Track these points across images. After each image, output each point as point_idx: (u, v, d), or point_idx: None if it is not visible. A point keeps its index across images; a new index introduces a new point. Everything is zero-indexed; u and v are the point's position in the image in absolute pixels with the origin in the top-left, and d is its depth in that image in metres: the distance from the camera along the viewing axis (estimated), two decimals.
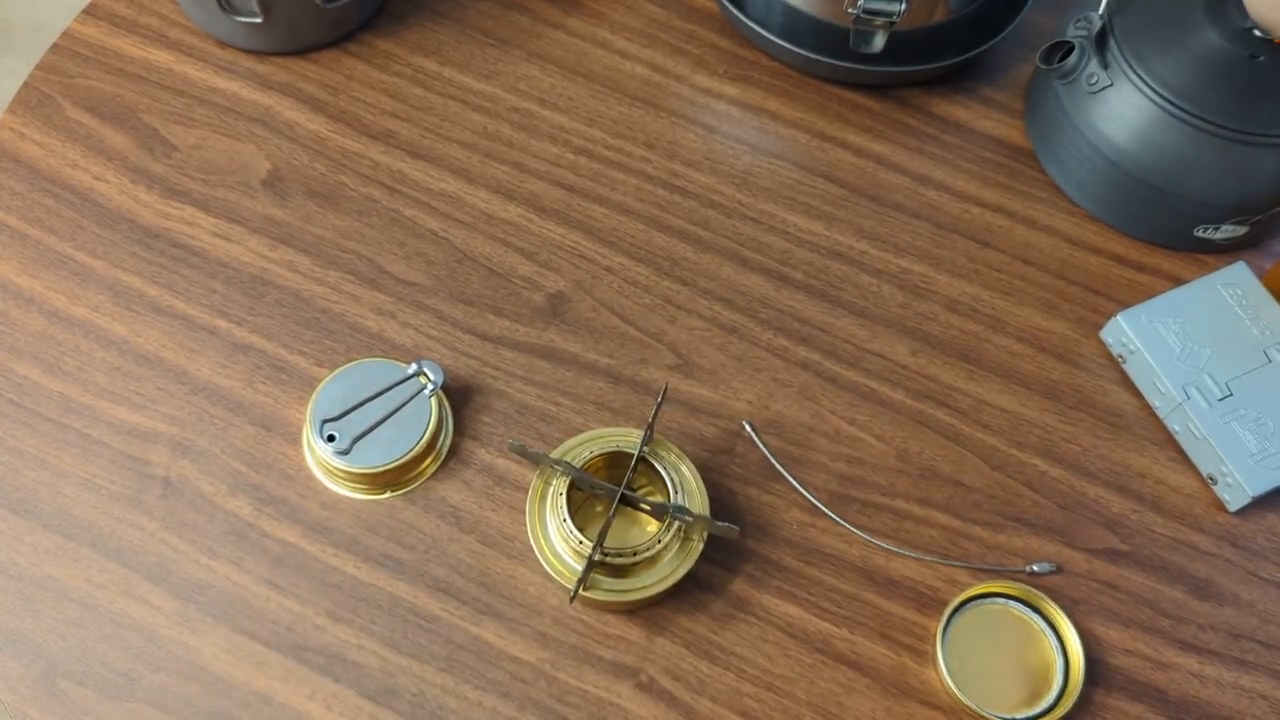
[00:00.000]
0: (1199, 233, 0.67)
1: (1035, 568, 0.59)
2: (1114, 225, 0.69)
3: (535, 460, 0.55)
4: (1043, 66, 0.66)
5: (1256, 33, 0.62)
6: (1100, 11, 0.66)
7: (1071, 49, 0.66)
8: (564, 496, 0.54)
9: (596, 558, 0.53)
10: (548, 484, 0.56)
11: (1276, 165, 0.63)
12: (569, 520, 0.54)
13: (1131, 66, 0.64)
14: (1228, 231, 0.66)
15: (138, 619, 0.56)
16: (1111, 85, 0.65)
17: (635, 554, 0.53)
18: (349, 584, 0.57)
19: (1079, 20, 0.66)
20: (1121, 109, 0.65)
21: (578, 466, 0.55)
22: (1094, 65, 0.66)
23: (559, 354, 0.64)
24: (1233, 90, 0.63)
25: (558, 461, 0.54)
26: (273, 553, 0.58)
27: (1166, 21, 0.65)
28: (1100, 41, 0.66)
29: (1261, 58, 0.62)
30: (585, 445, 0.57)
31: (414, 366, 0.60)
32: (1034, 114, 0.72)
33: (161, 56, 0.73)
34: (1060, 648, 0.56)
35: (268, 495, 0.59)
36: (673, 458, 0.57)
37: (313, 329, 0.64)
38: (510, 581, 0.57)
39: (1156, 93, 0.63)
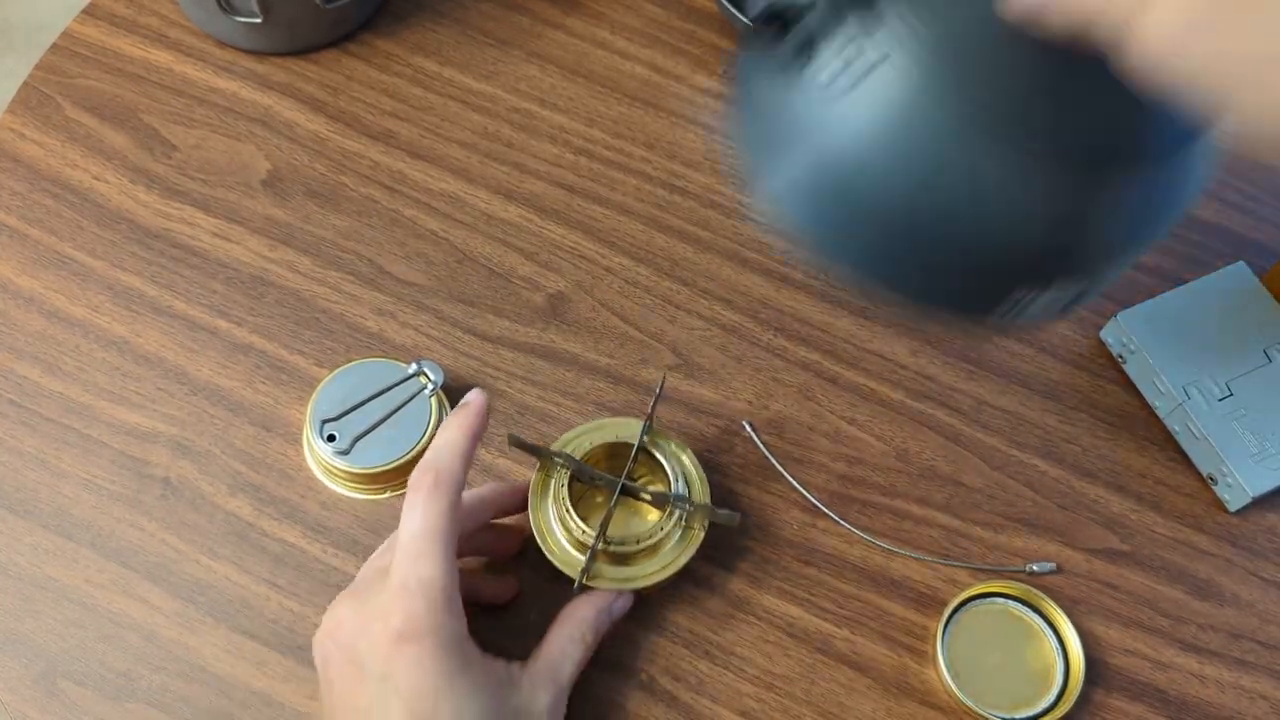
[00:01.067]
0: (1005, 308, 0.41)
1: (1035, 568, 0.59)
2: (869, 288, 0.41)
3: (535, 453, 0.55)
4: (758, 31, 0.41)
5: None
6: None
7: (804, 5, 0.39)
8: (565, 489, 0.54)
9: (599, 547, 0.53)
10: (549, 477, 0.56)
11: (1140, 201, 0.39)
12: (572, 511, 0.54)
13: (918, 34, 0.36)
14: (1049, 301, 0.41)
15: (138, 619, 0.56)
16: (883, 64, 0.37)
17: (638, 542, 0.54)
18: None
19: None
20: (893, 105, 0.37)
21: (578, 458, 0.55)
22: (851, 29, 0.37)
23: (559, 354, 0.64)
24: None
25: (558, 454, 0.55)
26: (273, 553, 0.58)
27: None
28: None
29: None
30: (585, 436, 0.57)
31: (414, 366, 0.60)
32: (745, 115, 0.43)
33: (161, 56, 0.73)
34: (1060, 648, 0.56)
35: (268, 495, 0.59)
36: (673, 447, 0.58)
37: (313, 329, 0.64)
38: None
39: (955, 83, 0.36)
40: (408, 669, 0.44)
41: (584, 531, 0.54)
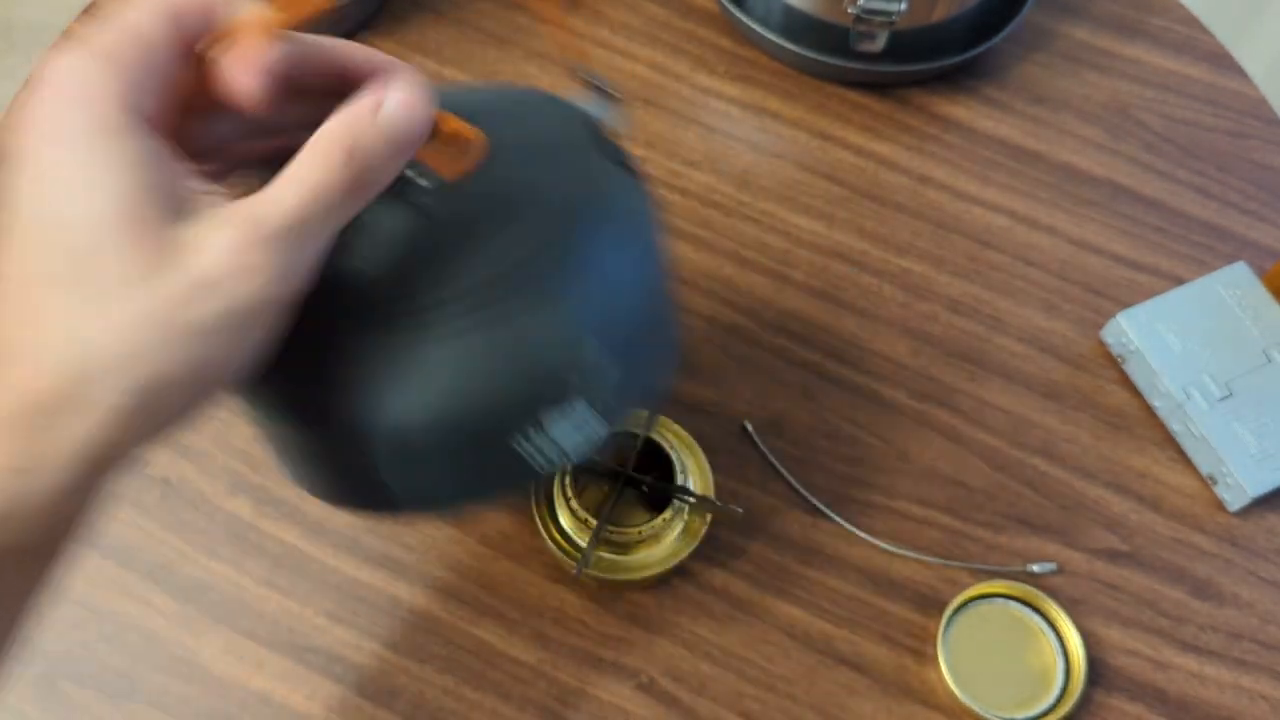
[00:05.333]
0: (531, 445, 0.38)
1: (1036, 568, 0.59)
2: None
3: None
4: None
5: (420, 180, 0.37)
6: None
7: None
8: (569, 476, 0.55)
9: (601, 535, 0.54)
10: None
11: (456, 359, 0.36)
12: (574, 500, 0.54)
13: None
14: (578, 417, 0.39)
15: (138, 619, 0.56)
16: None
17: (640, 532, 0.54)
18: (349, 584, 0.57)
19: None
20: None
21: None
22: None
23: None
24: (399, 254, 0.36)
25: None
26: (273, 553, 0.58)
27: None
28: None
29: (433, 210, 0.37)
30: None
31: None
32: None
33: None
34: (1061, 648, 0.56)
35: (268, 495, 0.59)
36: (677, 439, 0.58)
37: None
38: (510, 581, 0.57)
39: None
40: (27, 113, 0.30)
41: (586, 520, 0.54)
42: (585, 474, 0.57)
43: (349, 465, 0.38)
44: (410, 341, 0.36)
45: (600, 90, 0.42)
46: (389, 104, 0.32)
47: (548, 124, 0.42)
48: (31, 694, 0.54)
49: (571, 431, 0.38)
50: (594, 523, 0.54)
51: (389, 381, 0.36)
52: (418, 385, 0.36)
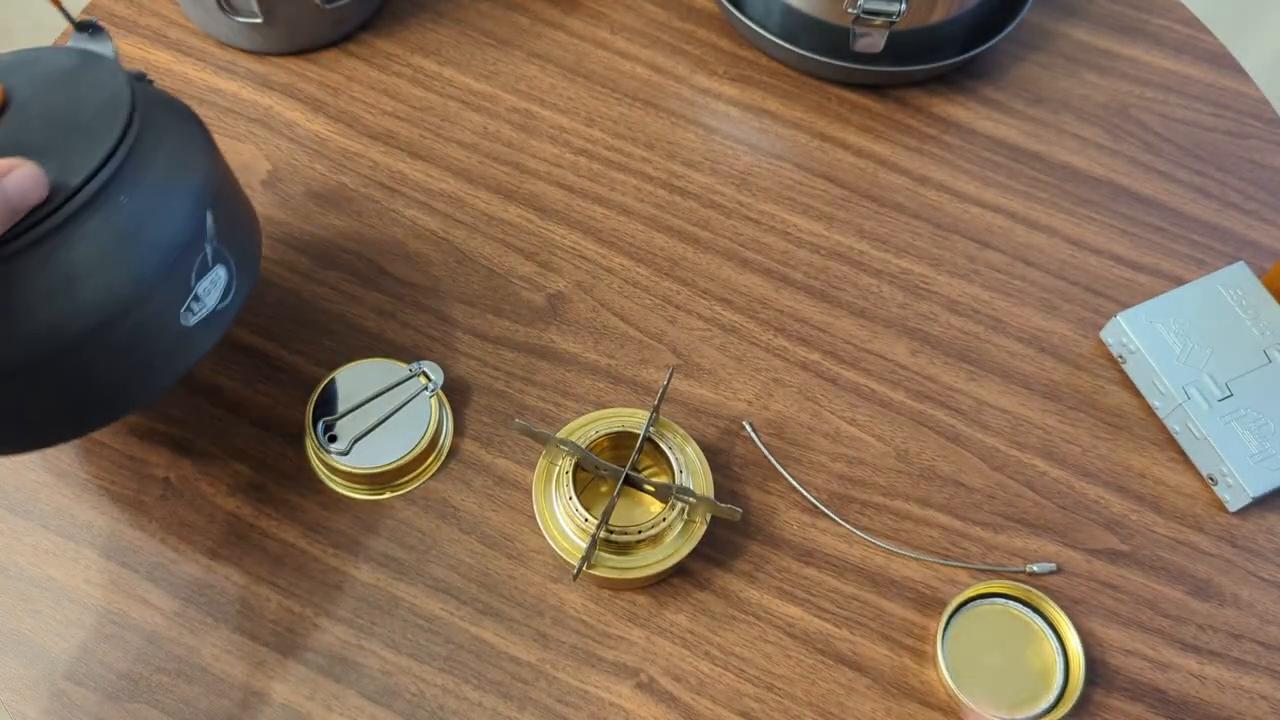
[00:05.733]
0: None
1: (1035, 568, 0.59)
2: None
3: (541, 440, 0.55)
4: None
5: None
6: None
7: None
8: (570, 475, 0.54)
9: (601, 535, 0.53)
10: (554, 464, 0.56)
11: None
12: (575, 498, 0.54)
13: None
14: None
15: (138, 619, 0.56)
16: None
17: (640, 532, 0.54)
18: (349, 584, 0.57)
19: None
20: None
21: (583, 446, 0.55)
22: None
23: (559, 354, 0.64)
24: None
25: (564, 441, 0.55)
26: (273, 553, 0.58)
27: None
28: None
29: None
30: (591, 425, 0.57)
31: (414, 366, 0.60)
32: None
33: (161, 56, 0.73)
34: (1060, 648, 0.56)
35: (268, 495, 0.59)
36: (678, 439, 0.58)
37: (313, 329, 0.64)
38: (510, 581, 0.57)
39: None
40: None
41: (586, 519, 0.54)
42: (585, 474, 0.58)
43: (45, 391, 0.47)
44: (54, 248, 0.45)
45: (85, 26, 0.53)
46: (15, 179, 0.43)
47: (58, 63, 0.51)
48: (31, 694, 0.54)
49: (213, 288, 0.49)
50: (594, 523, 0.54)
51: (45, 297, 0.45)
52: (82, 285, 0.45)
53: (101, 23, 0.53)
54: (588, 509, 0.54)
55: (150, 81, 0.54)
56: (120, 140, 0.47)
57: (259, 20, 0.70)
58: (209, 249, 0.49)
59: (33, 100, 0.49)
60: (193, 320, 0.49)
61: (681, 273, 0.67)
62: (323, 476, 0.59)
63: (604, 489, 0.59)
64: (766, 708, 0.55)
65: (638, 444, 0.56)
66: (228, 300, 0.50)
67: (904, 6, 0.67)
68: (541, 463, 0.56)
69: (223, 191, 0.51)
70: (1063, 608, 0.57)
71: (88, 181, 0.45)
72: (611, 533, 0.54)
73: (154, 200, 0.47)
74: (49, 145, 0.46)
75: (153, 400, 0.50)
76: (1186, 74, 0.76)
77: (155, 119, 0.50)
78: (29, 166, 0.44)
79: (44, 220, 0.44)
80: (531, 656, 0.56)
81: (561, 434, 0.57)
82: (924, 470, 0.61)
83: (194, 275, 0.48)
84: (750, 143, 0.72)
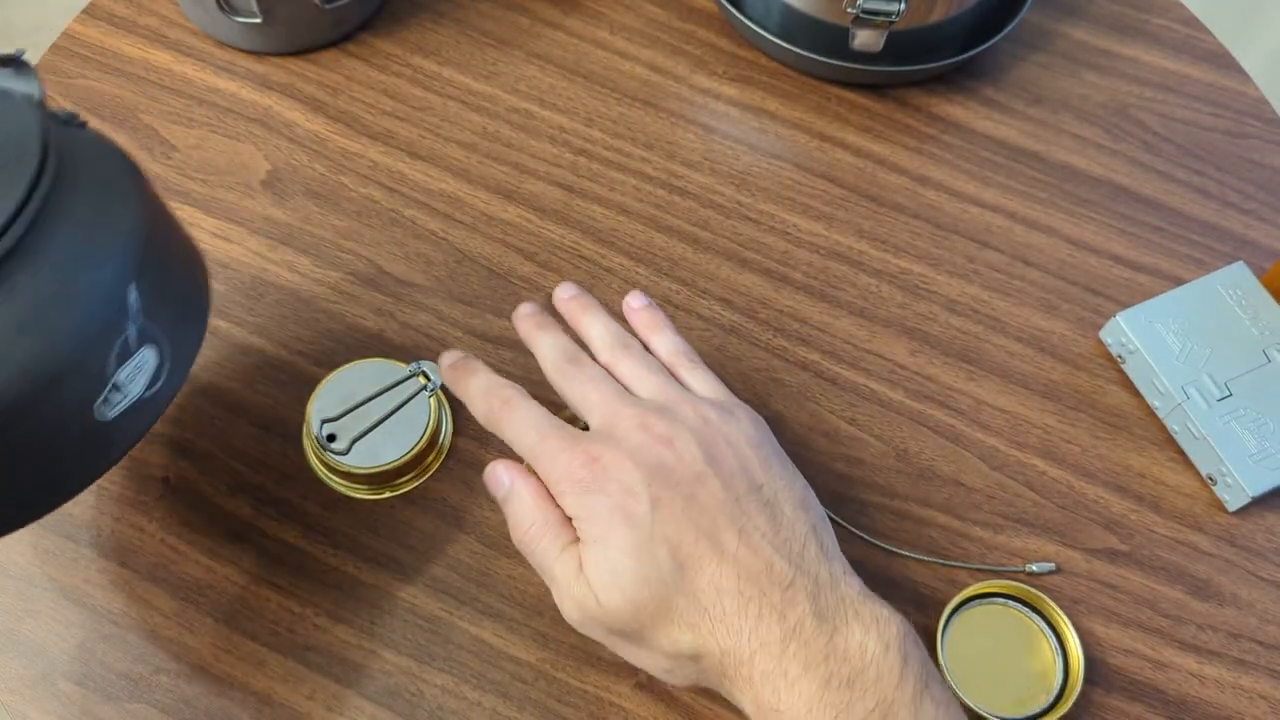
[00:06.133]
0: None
1: (1035, 568, 0.59)
2: None
3: None
4: None
5: None
6: None
7: None
8: None
9: None
10: None
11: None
12: None
13: None
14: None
15: (138, 619, 0.56)
16: None
17: None
18: (349, 584, 0.57)
19: None
20: None
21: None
22: None
23: None
24: None
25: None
26: (273, 553, 0.58)
27: None
28: None
29: None
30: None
31: (413, 366, 0.60)
32: None
33: (161, 56, 0.73)
34: (1060, 648, 0.56)
35: (268, 495, 0.59)
36: None
37: (313, 329, 0.64)
38: (510, 581, 0.57)
39: None
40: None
41: None
42: None
43: None
44: None
45: (6, 61, 0.45)
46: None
47: None
48: (31, 694, 0.54)
49: (138, 375, 0.42)
50: None
51: None
52: None
53: (25, 58, 0.46)
54: None
55: (83, 125, 0.46)
56: (21, 205, 0.39)
57: (258, 20, 0.70)
58: (133, 330, 0.41)
59: None
60: (111, 413, 0.41)
61: (681, 272, 0.67)
62: (322, 476, 0.59)
63: None
64: None
65: None
66: (158, 386, 0.43)
67: (903, 6, 0.67)
68: None
69: (156, 256, 0.43)
70: (1062, 607, 0.57)
71: None
72: None
73: (62, 277, 0.39)
74: None
75: (68, 500, 0.43)
76: (1186, 74, 0.76)
77: (75, 174, 0.42)
78: None
79: None
80: (531, 656, 0.56)
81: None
82: (923, 470, 0.61)
83: (112, 362, 0.41)
84: (750, 143, 0.72)
